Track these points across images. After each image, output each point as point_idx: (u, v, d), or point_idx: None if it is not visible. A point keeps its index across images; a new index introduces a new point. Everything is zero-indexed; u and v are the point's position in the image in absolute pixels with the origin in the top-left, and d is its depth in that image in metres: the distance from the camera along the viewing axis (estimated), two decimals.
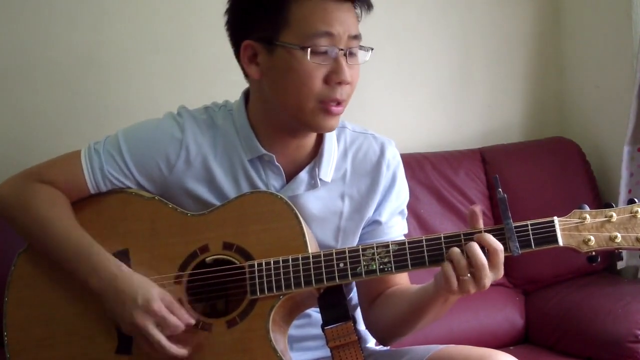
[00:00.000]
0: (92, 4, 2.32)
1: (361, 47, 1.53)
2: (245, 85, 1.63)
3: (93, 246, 1.51)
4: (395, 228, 1.66)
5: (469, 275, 1.38)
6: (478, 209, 1.43)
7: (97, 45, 2.33)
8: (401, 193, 1.67)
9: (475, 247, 1.38)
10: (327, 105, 1.49)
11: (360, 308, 1.68)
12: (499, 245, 1.38)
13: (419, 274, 1.50)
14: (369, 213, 1.63)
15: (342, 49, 1.49)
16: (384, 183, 1.63)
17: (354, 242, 1.64)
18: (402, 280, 1.63)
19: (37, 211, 1.55)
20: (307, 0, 1.47)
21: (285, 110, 1.53)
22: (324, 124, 1.52)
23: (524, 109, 2.89)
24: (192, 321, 1.46)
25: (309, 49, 1.46)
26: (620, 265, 2.46)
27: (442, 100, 2.79)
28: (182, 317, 1.45)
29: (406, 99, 2.73)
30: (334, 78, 1.48)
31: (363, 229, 1.64)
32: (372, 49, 1.55)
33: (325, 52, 1.48)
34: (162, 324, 1.44)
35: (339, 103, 1.50)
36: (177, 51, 2.41)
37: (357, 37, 1.51)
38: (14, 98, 2.27)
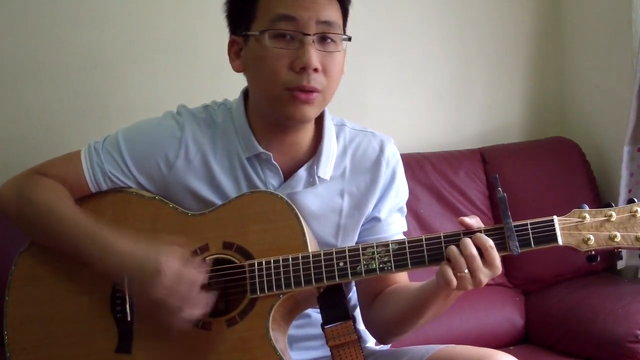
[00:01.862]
0: (94, 4, 2.32)
1: (339, 36, 1.52)
2: (244, 84, 1.64)
3: (98, 225, 1.50)
4: (395, 225, 1.66)
5: (466, 271, 1.38)
6: (473, 220, 1.43)
7: (99, 46, 2.33)
8: (400, 190, 1.67)
9: (467, 241, 1.39)
10: (294, 92, 1.48)
11: (360, 307, 1.68)
12: (487, 241, 1.38)
13: (418, 272, 1.50)
14: (368, 210, 1.63)
15: (308, 34, 1.48)
16: (383, 180, 1.64)
17: (353, 239, 1.64)
18: (401, 278, 1.63)
19: (40, 200, 1.54)
20: None
21: (261, 100, 1.54)
22: (293, 112, 1.50)
23: (524, 109, 2.89)
24: (207, 266, 1.46)
25: (266, 33, 1.47)
26: (620, 265, 2.46)
27: (442, 100, 2.79)
28: (197, 267, 1.44)
29: (406, 99, 2.73)
30: (297, 63, 1.47)
31: (362, 225, 1.64)
32: (349, 39, 1.54)
33: (288, 37, 1.48)
34: (179, 281, 1.41)
35: (307, 90, 1.49)
36: (178, 51, 2.41)
37: (328, 22, 1.50)
38: (16, 98, 2.27)
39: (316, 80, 1.49)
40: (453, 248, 1.40)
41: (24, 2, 2.25)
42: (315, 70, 1.48)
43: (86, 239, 1.50)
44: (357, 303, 1.72)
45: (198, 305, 1.42)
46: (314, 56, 1.47)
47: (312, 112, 1.53)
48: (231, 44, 1.58)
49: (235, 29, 1.57)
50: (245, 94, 1.63)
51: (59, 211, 1.53)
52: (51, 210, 1.53)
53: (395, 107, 2.71)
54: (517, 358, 1.49)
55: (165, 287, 1.40)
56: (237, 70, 1.58)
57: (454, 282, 1.38)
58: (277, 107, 1.51)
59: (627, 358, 2.15)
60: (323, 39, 1.50)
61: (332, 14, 1.51)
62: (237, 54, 1.57)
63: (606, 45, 2.70)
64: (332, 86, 1.53)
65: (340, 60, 1.53)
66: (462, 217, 1.43)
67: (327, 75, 1.50)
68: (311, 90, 1.49)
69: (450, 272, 1.38)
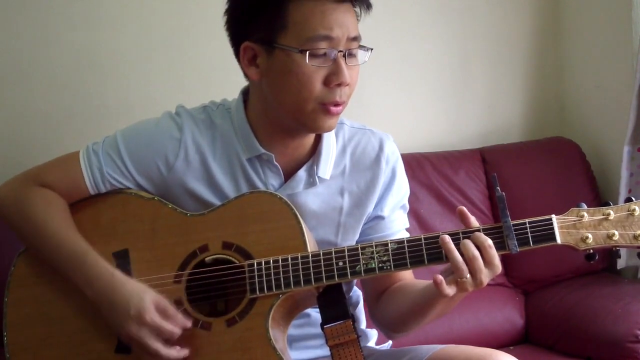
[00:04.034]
0: (91, 4, 2.32)
1: (361, 47, 1.53)
2: (243, 84, 1.63)
3: (87, 254, 1.50)
4: (397, 222, 1.67)
5: (468, 276, 1.38)
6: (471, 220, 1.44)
7: (97, 46, 2.33)
8: (402, 187, 1.67)
9: (468, 242, 1.39)
10: (327, 107, 1.49)
11: (367, 304, 1.69)
12: (486, 241, 1.38)
13: (420, 270, 1.50)
14: (369, 208, 1.64)
15: (341, 51, 1.48)
16: (383, 178, 1.64)
17: (354, 238, 1.64)
18: (407, 275, 1.63)
19: (33, 216, 1.55)
20: (305, 1, 1.46)
21: (285, 111, 1.53)
22: (323, 124, 1.52)
23: (524, 109, 2.89)
24: (188, 324, 1.46)
25: (307, 52, 1.46)
26: (620, 264, 2.46)
27: (442, 100, 2.79)
28: (177, 322, 1.44)
29: (406, 99, 2.73)
30: (333, 80, 1.48)
31: (365, 224, 1.65)
32: (371, 50, 1.54)
33: (324, 55, 1.48)
34: (157, 332, 1.43)
35: (338, 104, 1.50)
36: (176, 51, 2.41)
37: (356, 38, 1.51)
38: (14, 98, 2.27)
39: (346, 93, 1.51)
40: (457, 255, 1.39)
41: (20, 2, 2.25)
42: (347, 85, 1.50)
43: (74, 264, 1.50)
44: (357, 302, 1.73)
45: (169, 357, 1.44)
46: (347, 72, 1.48)
47: (336, 122, 1.56)
48: (245, 50, 1.53)
49: (248, 35, 1.52)
50: (244, 94, 1.62)
51: (47, 232, 1.53)
52: (40, 231, 1.54)
53: (395, 107, 2.71)
54: (517, 358, 1.49)
55: (143, 333, 1.42)
56: (252, 78, 1.55)
57: (446, 291, 1.38)
58: (306, 120, 1.52)
59: (627, 358, 2.15)
60: (350, 52, 1.50)
61: (356, 28, 1.52)
62: (252, 61, 1.54)
63: (606, 45, 2.70)
64: (351, 95, 1.55)
65: (358, 70, 1.55)
66: (461, 207, 1.44)
67: (351, 87, 1.52)
68: (341, 104, 1.51)
69: (443, 284, 1.38)
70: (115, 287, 1.47)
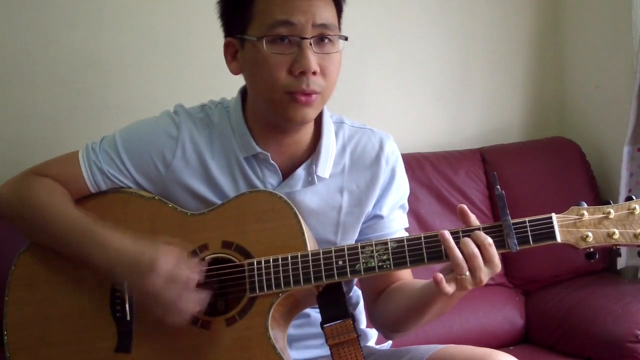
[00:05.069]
0: (91, 4, 2.33)
1: (336, 37, 1.51)
2: (242, 83, 1.64)
3: (95, 224, 1.50)
4: (396, 222, 1.66)
5: (467, 273, 1.38)
6: (471, 218, 1.43)
7: (97, 45, 2.33)
8: (401, 187, 1.67)
9: (468, 240, 1.38)
10: (294, 95, 1.48)
11: (365, 303, 1.69)
12: (486, 239, 1.38)
13: (420, 270, 1.50)
14: (369, 207, 1.63)
15: (306, 38, 1.47)
16: (383, 178, 1.64)
17: (353, 237, 1.64)
18: (405, 275, 1.63)
19: (36, 198, 1.55)
20: None
21: (261, 103, 1.54)
22: (294, 114, 1.50)
23: (524, 109, 2.90)
24: (203, 268, 1.45)
25: (264, 39, 1.47)
26: (620, 264, 2.46)
27: (442, 100, 2.79)
28: (192, 268, 1.43)
29: (406, 99, 2.74)
30: (296, 67, 1.47)
31: (364, 223, 1.65)
32: (345, 38, 1.53)
33: (285, 41, 1.47)
34: (173, 280, 1.41)
35: (306, 93, 1.48)
36: (176, 50, 2.42)
37: (325, 25, 1.49)
38: (14, 98, 2.28)
39: (315, 82, 1.48)
40: (456, 252, 1.39)
41: (21, 2, 2.26)
42: (314, 73, 1.48)
43: (83, 236, 1.50)
44: (357, 302, 1.73)
45: (191, 303, 1.42)
46: (313, 60, 1.47)
47: (312, 114, 1.53)
48: (227, 45, 1.56)
49: (231, 30, 1.55)
50: (243, 93, 1.63)
51: (56, 209, 1.53)
52: (49, 208, 1.53)
53: (395, 107, 2.71)
54: (517, 358, 1.49)
55: (159, 282, 1.41)
56: (234, 72, 1.57)
57: (446, 289, 1.37)
58: (277, 110, 1.51)
59: (627, 358, 2.15)
60: (321, 40, 1.49)
61: (328, 15, 1.50)
62: (234, 55, 1.56)
63: (606, 45, 2.70)
64: (331, 87, 1.53)
65: (337, 60, 1.53)
66: (462, 205, 1.43)
67: (326, 77, 1.50)
68: (311, 93, 1.49)
69: (443, 282, 1.37)
70: (126, 247, 1.46)
